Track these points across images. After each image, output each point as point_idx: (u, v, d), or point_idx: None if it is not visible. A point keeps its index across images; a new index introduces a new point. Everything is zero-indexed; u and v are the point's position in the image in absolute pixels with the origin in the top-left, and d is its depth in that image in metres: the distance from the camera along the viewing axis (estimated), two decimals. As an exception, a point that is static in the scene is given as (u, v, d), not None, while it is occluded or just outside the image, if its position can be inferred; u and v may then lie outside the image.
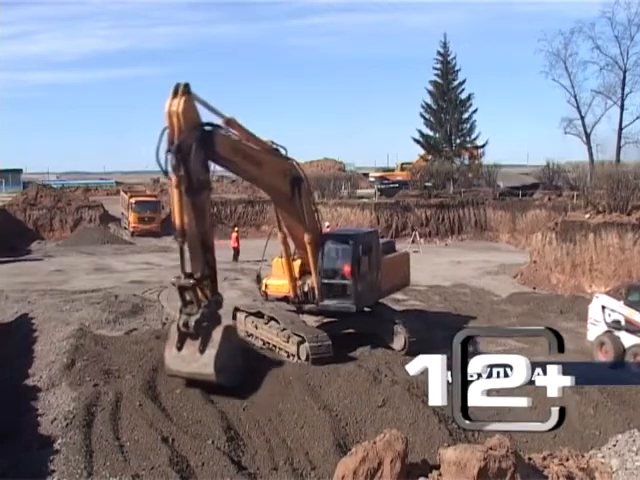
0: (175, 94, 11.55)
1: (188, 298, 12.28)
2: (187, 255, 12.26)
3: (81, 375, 12.66)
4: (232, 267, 28.30)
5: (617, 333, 14.57)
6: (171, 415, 11.33)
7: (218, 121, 12.40)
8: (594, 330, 15.15)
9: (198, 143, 11.59)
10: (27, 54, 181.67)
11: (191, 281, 12.08)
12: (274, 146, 13.77)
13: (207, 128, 12.02)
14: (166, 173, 11.83)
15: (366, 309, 16.06)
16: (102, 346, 14.30)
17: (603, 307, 15.10)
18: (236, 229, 32.85)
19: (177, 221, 12.01)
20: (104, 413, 11.07)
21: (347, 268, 14.83)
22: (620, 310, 14.67)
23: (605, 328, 14.88)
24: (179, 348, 12.25)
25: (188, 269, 12.19)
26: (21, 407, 11.61)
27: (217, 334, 12.15)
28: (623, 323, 14.50)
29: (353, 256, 14.91)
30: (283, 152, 13.94)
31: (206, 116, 12.21)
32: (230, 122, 12.53)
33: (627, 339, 14.30)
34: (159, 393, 12.06)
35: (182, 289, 12.28)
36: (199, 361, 11.99)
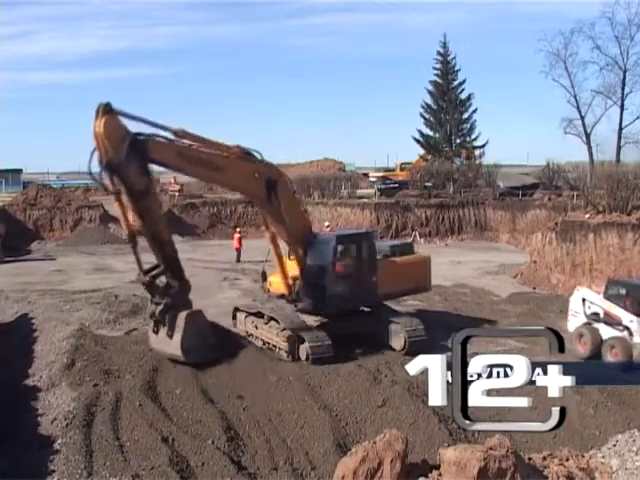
0: (98, 115, 11.98)
1: (154, 290, 13.59)
2: (146, 254, 13.38)
3: (81, 375, 12.69)
4: (232, 267, 28.31)
5: (596, 325, 14.85)
6: (171, 415, 11.35)
7: (166, 134, 12.83)
8: (574, 321, 15.52)
9: (127, 157, 12.06)
10: (27, 54, 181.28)
11: (147, 278, 13.36)
12: (244, 150, 14.00)
13: (140, 138, 12.41)
14: (105, 188, 12.81)
15: (366, 309, 16.05)
16: (102, 346, 14.33)
17: (583, 299, 15.45)
18: (238, 229, 32.80)
19: (125, 228, 13.28)
20: (104, 413, 11.08)
21: (324, 269, 14.91)
22: (599, 303, 14.99)
23: (585, 320, 15.18)
24: (155, 332, 13.75)
25: (146, 266, 13.40)
26: (21, 407, 11.62)
27: (181, 320, 13.33)
28: (602, 316, 14.80)
29: (333, 257, 14.98)
30: (258, 156, 14.16)
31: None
32: (178, 133, 12.96)
33: (605, 331, 14.59)
34: (159, 393, 12.08)
35: (144, 285, 13.67)
36: (170, 344, 13.39)
